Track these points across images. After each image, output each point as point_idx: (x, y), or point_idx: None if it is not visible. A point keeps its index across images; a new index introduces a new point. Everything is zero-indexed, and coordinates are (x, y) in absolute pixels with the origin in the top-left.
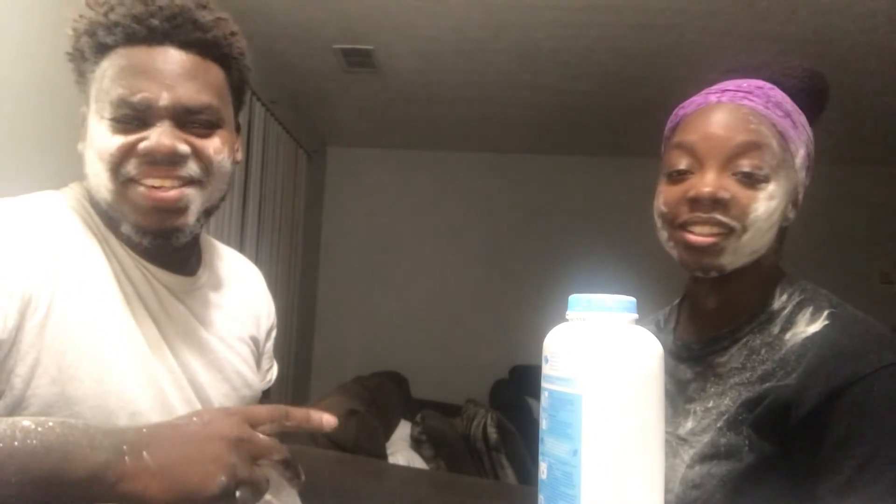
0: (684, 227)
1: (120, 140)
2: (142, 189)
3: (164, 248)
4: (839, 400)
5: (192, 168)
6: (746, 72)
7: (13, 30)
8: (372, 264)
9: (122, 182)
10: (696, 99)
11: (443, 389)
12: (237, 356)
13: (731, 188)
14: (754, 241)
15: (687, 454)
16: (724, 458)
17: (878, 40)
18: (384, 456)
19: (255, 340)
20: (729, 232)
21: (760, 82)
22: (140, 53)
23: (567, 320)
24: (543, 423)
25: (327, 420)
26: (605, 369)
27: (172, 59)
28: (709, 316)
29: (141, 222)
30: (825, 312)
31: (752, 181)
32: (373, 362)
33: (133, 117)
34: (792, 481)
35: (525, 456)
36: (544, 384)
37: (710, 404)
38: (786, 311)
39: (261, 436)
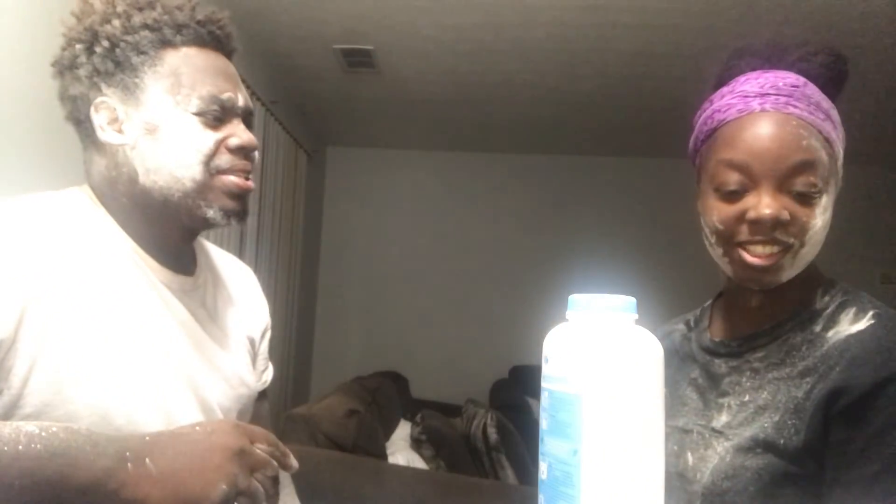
0: (742, 245)
1: (213, 136)
2: (233, 178)
3: (178, 247)
4: (885, 391)
5: (254, 162)
6: (767, 58)
7: (12, 30)
8: (372, 264)
9: (212, 173)
10: (735, 103)
11: (443, 389)
12: (234, 356)
13: (788, 206)
14: (810, 252)
15: (722, 446)
16: (762, 452)
17: (878, 40)
18: (384, 456)
19: (251, 340)
20: (787, 248)
21: (794, 78)
22: (209, 56)
23: (567, 320)
24: (543, 423)
25: (293, 464)
26: (605, 369)
27: (229, 65)
28: (749, 314)
29: (229, 206)
30: (870, 312)
31: (807, 198)
32: (373, 362)
33: (218, 113)
34: (823, 472)
35: (525, 456)
36: (544, 384)
37: (747, 398)
38: (828, 311)
39: (258, 450)
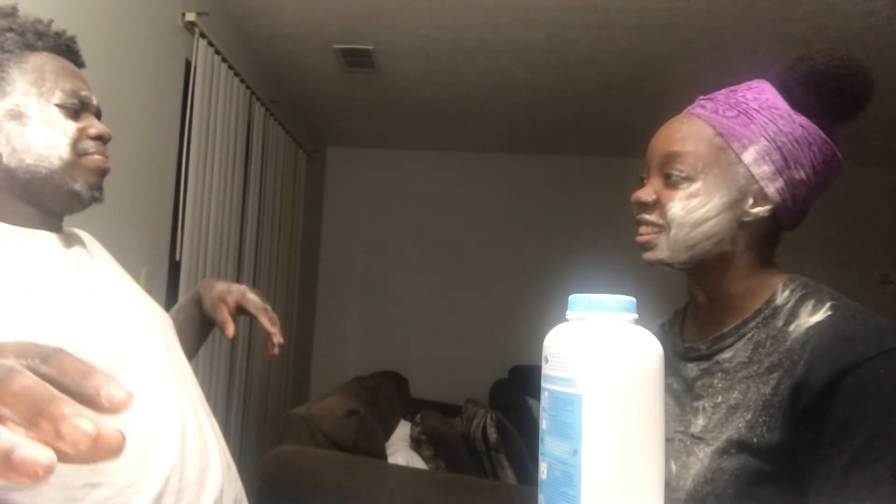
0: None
1: (75, 125)
2: (97, 158)
3: (46, 221)
4: (843, 382)
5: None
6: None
7: None
8: (371, 264)
9: (79, 155)
10: None
11: (443, 389)
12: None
13: (659, 191)
14: (682, 234)
15: (703, 451)
16: (736, 453)
17: (877, 39)
18: (384, 456)
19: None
20: (660, 229)
21: (747, 86)
22: (65, 62)
23: (567, 320)
24: (543, 423)
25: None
26: (605, 369)
27: (80, 71)
28: (706, 312)
29: (93, 181)
30: (827, 304)
31: (672, 182)
32: (373, 362)
33: (76, 106)
34: (799, 469)
35: (525, 456)
36: (544, 384)
37: (719, 399)
38: (789, 306)
39: None
